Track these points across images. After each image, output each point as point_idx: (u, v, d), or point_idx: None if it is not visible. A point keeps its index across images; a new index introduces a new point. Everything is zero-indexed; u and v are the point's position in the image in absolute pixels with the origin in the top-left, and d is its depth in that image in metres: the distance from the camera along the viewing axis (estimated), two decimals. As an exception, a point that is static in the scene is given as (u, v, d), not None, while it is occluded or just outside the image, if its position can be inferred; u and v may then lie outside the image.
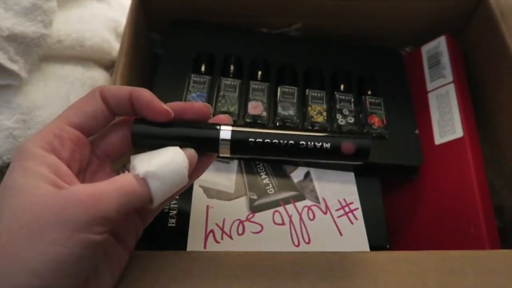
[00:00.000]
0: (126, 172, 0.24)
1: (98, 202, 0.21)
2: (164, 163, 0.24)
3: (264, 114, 0.39)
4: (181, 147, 0.25)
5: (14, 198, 0.21)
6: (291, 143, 0.25)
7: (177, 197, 0.36)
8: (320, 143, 0.25)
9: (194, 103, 0.26)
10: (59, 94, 0.38)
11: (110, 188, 0.22)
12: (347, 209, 0.38)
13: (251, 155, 0.26)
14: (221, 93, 0.40)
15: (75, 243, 0.20)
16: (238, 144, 0.26)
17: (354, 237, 0.36)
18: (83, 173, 0.26)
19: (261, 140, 0.25)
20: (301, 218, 0.36)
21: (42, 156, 0.22)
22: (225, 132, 0.25)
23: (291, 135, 0.26)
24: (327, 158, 0.26)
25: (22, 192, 0.21)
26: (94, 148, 0.27)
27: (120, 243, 0.26)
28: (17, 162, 0.22)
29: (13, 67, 0.34)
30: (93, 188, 0.21)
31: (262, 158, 0.27)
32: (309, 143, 0.25)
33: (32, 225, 0.20)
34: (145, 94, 0.25)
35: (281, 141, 0.25)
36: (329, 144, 0.25)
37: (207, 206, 0.36)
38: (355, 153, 0.25)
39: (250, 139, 0.25)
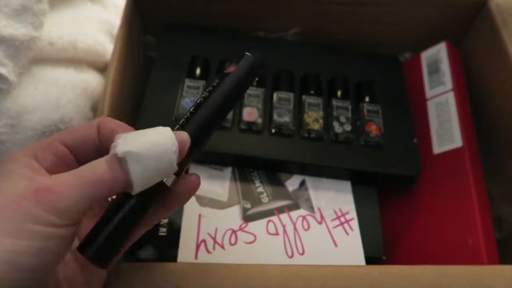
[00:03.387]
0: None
1: (53, 194, 0.20)
2: (149, 144, 0.22)
3: (259, 120, 0.39)
4: (172, 129, 0.23)
5: None
6: (192, 108, 0.25)
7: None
8: (216, 82, 0.25)
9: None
10: (49, 98, 0.37)
11: (72, 178, 0.21)
12: (342, 219, 0.37)
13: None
14: (215, 99, 0.39)
15: (30, 234, 0.20)
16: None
17: (350, 248, 0.35)
18: None
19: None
20: (295, 228, 0.36)
21: (25, 162, 0.22)
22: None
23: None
24: (229, 92, 0.25)
25: None
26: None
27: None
28: (1, 167, 0.22)
29: (2, 70, 0.33)
30: (52, 179, 0.21)
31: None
32: (204, 94, 0.25)
33: None
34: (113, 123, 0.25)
35: (185, 116, 0.25)
36: (216, 80, 0.26)
37: (199, 215, 0.35)
38: (242, 67, 0.26)
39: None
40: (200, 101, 0.25)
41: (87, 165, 0.22)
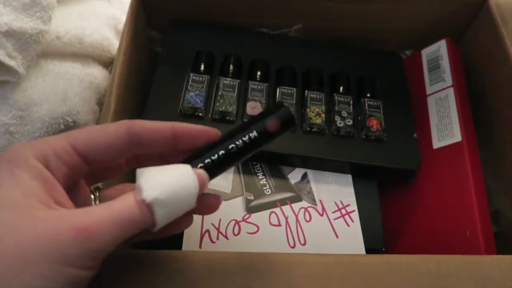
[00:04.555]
0: (127, 193, 0.22)
1: (92, 235, 0.19)
2: (175, 189, 0.21)
3: (263, 114, 0.39)
4: (193, 163, 0.24)
5: (4, 212, 0.19)
6: (222, 154, 0.24)
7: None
8: (247, 137, 0.24)
9: (206, 128, 0.25)
10: (57, 90, 0.38)
11: (107, 217, 0.20)
12: (343, 211, 0.37)
13: None
14: (219, 93, 0.40)
15: (63, 277, 0.18)
16: None
17: (350, 239, 0.36)
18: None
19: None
20: (297, 220, 0.36)
21: (37, 169, 0.20)
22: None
23: (219, 146, 0.24)
24: (262, 144, 0.25)
25: (12, 208, 0.19)
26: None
27: None
28: (7, 166, 0.20)
29: (11, 63, 0.34)
30: (88, 216, 0.19)
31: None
32: (237, 142, 0.24)
33: (17, 252, 0.18)
34: (190, 125, 0.24)
35: (212, 157, 0.24)
36: (254, 132, 0.24)
37: (203, 206, 0.36)
38: (282, 125, 0.25)
39: None
40: (232, 148, 0.24)
41: (118, 201, 0.21)
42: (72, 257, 0.18)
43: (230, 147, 0.24)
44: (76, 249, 0.18)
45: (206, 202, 0.25)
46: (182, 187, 0.22)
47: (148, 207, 0.21)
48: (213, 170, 0.24)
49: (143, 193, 0.21)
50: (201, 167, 0.24)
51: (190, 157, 0.24)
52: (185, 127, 0.24)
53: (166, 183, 0.21)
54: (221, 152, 0.24)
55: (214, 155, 0.24)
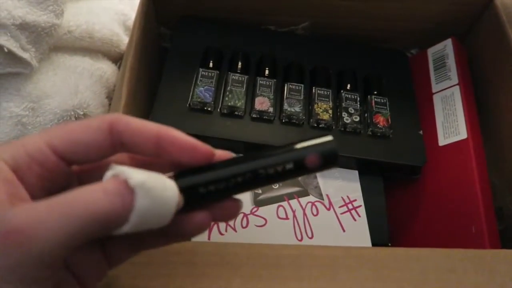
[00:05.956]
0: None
1: (24, 237, 0.15)
2: (161, 185, 0.18)
3: (271, 110, 0.40)
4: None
5: None
6: (249, 177, 0.20)
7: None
8: (281, 167, 0.20)
9: (199, 144, 0.20)
10: (68, 83, 0.38)
11: (50, 213, 0.16)
12: (350, 206, 0.38)
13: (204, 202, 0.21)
14: (228, 88, 0.40)
15: None
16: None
17: (357, 233, 0.36)
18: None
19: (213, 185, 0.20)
20: (304, 214, 0.37)
21: (0, 170, 0.18)
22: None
23: (247, 166, 0.20)
24: (293, 177, 0.21)
25: None
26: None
27: (76, 279, 0.20)
28: None
29: (25, 55, 0.35)
30: (26, 213, 0.16)
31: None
32: (268, 170, 0.20)
33: None
34: (178, 134, 0.20)
35: (237, 179, 0.20)
36: (292, 164, 0.20)
37: (212, 199, 0.36)
38: (322, 162, 0.20)
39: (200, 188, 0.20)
40: (259, 177, 0.20)
41: (73, 193, 0.17)
42: (4, 269, 0.15)
43: (258, 173, 0.20)
44: (8, 257, 0.15)
45: (224, 207, 0.21)
46: (166, 187, 0.18)
47: (129, 190, 0.17)
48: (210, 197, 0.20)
49: (126, 174, 0.17)
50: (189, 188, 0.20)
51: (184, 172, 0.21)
52: (172, 134, 0.19)
53: (152, 175, 0.18)
54: (247, 175, 0.20)
55: (237, 178, 0.20)
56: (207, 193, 0.20)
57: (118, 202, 0.16)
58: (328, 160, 0.21)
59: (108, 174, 0.18)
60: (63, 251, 0.16)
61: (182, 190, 0.19)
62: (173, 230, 0.20)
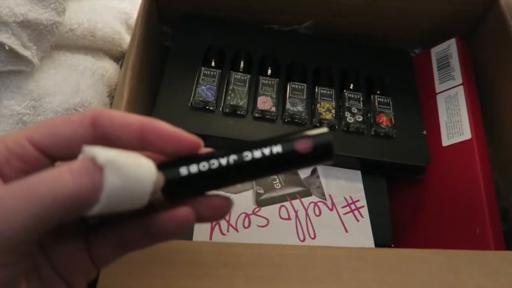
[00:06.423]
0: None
1: None
2: (134, 162, 0.17)
3: (273, 109, 0.39)
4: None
5: None
6: (234, 160, 0.19)
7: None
8: (269, 149, 0.19)
9: (184, 134, 0.19)
10: (70, 82, 0.38)
11: (9, 195, 0.16)
12: (353, 206, 0.38)
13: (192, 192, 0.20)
14: (230, 87, 0.40)
15: None
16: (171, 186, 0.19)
17: (360, 234, 0.36)
18: None
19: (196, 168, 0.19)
20: (307, 214, 0.36)
21: None
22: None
23: (232, 149, 0.19)
24: (285, 166, 0.20)
25: None
26: None
27: (62, 279, 0.20)
28: None
29: (26, 53, 0.34)
30: None
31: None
32: (254, 152, 0.19)
33: None
34: (162, 125, 0.19)
35: (220, 160, 0.19)
36: (280, 146, 0.19)
37: (214, 199, 0.36)
38: (314, 151, 0.19)
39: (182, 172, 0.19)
40: (245, 160, 0.19)
41: (39, 174, 0.16)
42: None
43: (244, 158, 0.19)
44: None
45: (211, 204, 0.20)
46: (140, 164, 0.18)
47: (97, 168, 0.16)
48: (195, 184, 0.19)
49: (94, 153, 0.17)
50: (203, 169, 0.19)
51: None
52: (156, 125, 0.19)
53: (122, 153, 0.18)
54: (233, 160, 0.19)
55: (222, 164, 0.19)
56: (189, 176, 0.19)
57: (85, 182, 0.16)
58: (322, 150, 0.19)
59: (80, 156, 0.18)
60: (30, 235, 0.16)
61: (161, 168, 0.19)
62: (156, 229, 0.19)
